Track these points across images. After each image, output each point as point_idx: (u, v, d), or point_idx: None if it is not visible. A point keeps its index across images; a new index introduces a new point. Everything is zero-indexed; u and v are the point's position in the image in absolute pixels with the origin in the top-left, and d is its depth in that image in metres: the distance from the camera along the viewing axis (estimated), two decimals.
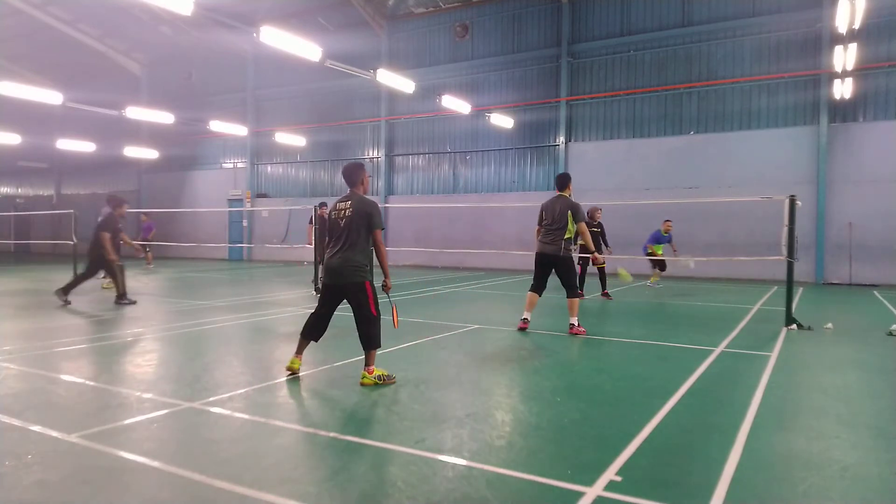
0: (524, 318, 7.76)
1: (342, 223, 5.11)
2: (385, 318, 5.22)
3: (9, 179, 34.40)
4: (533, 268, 7.93)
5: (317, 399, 4.74)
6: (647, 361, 6.14)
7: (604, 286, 11.91)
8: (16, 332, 7.50)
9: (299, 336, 5.35)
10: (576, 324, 7.53)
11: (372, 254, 5.18)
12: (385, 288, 5.23)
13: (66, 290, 10.13)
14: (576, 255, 11.88)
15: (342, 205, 5.17)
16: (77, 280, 10.34)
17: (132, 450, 3.51)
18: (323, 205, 14.97)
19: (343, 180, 5.31)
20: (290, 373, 5.27)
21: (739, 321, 8.76)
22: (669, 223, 13.78)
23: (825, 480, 3.17)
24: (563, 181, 7.89)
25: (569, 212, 7.52)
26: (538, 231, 7.82)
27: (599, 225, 12.26)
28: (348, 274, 5.07)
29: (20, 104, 18.20)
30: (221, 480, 3.07)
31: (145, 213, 20.90)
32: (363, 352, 5.07)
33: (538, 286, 7.82)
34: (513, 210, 18.84)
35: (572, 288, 7.64)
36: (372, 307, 5.06)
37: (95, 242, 10.08)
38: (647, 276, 14.68)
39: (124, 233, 10.81)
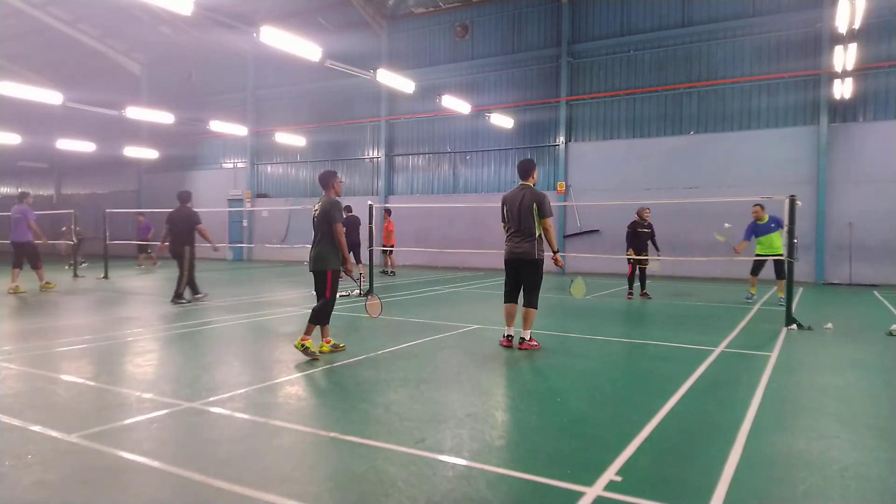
0: (507, 336, 6.71)
1: (315, 221, 6.27)
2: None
3: (9, 179, 34.39)
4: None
5: (317, 399, 4.74)
6: (648, 361, 6.14)
7: (632, 286, 11.99)
8: (16, 332, 7.50)
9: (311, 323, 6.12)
10: (528, 338, 6.52)
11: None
12: (346, 271, 6.29)
13: (193, 289, 10.55)
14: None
15: (316, 206, 6.32)
16: (184, 280, 10.51)
17: (132, 450, 3.51)
18: (348, 207, 15.17)
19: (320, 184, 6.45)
20: (311, 355, 5.98)
21: (739, 321, 8.76)
22: (758, 207, 11.04)
23: (825, 480, 3.17)
24: (526, 168, 6.68)
25: (534, 205, 6.40)
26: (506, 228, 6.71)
27: (649, 226, 11.89)
28: (316, 263, 6.16)
29: (20, 104, 18.19)
30: (221, 480, 3.07)
31: (142, 214, 20.92)
32: (312, 324, 6.05)
33: (515, 295, 6.74)
34: None
35: (534, 296, 6.57)
36: (328, 292, 6.11)
37: (179, 236, 10.50)
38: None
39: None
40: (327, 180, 6.36)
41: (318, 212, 6.21)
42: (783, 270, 10.49)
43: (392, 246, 17.25)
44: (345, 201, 23.67)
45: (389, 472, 3.21)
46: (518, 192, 6.59)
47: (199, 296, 10.66)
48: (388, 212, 17.79)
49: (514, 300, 6.75)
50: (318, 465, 3.38)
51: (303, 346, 5.91)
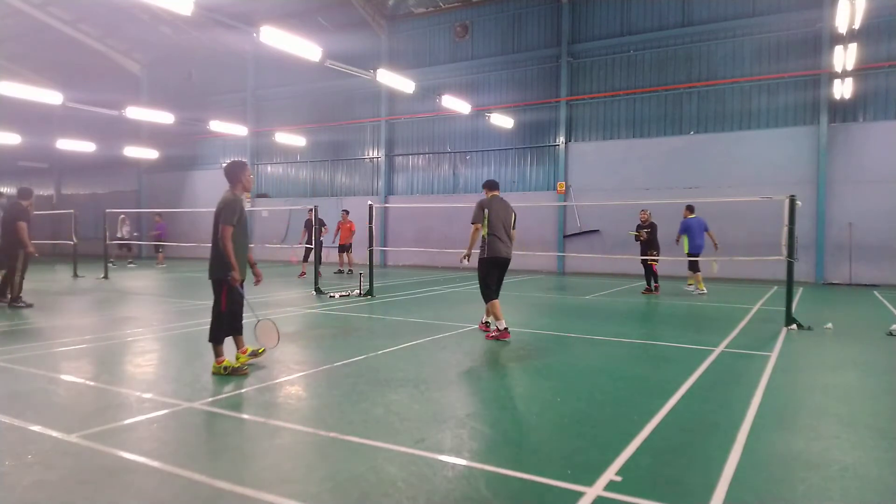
0: (505, 328, 7.17)
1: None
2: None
3: (9, 179, 34.38)
4: (486, 274, 7.42)
5: (317, 399, 4.73)
6: (647, 361, 6.14)
7: (649, 282, 12.78)
8: (16, 332, 7.50)
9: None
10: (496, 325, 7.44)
11: (241, 249, 5.37)
12: (232, 280, 5.29)
13: (2, 291, 9.71)
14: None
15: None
16: (7, 282, 9.72)
17: (132, 450, 3.51)
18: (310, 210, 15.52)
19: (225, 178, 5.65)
20: (238, 372, 5.35)
21: (739, 321, 8.75)
22: (686, 210, 12.62)
23: (825, 480, 3.18)
24: (496, 184, 7.82)
25: (513, 215, 7.58)
26: (476, 229, 7.40)
27: (649, 226, 12.79)
28: (211, 269, 5.38)
29: (20, 104, 18.18)
30: (221, 480, 3.07)
31: (159, 214, 21.14)
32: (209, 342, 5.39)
33: (497, 291, 7.44)
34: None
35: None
36: (223, 304, 5.33)
37: (8, 234, 9.63)
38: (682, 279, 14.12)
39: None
40: (235, 173, 5.45)
41: (215, 211, 5.37)
42: (693, 266, 12.68)
43: (349, 245, 17.49)
44: (345, 201, 23.77)
45: (389, 472, 3.21)
46: (501, 201, 7.61)
47: (2, 302, 9.70)
48: (346, 212, 17.95)
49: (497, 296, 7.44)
50: (318, 465, 3.38)
51: (223, 368, 5.25)
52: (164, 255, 21.42)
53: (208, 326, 5.45)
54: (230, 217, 5.25)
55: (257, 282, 5.82)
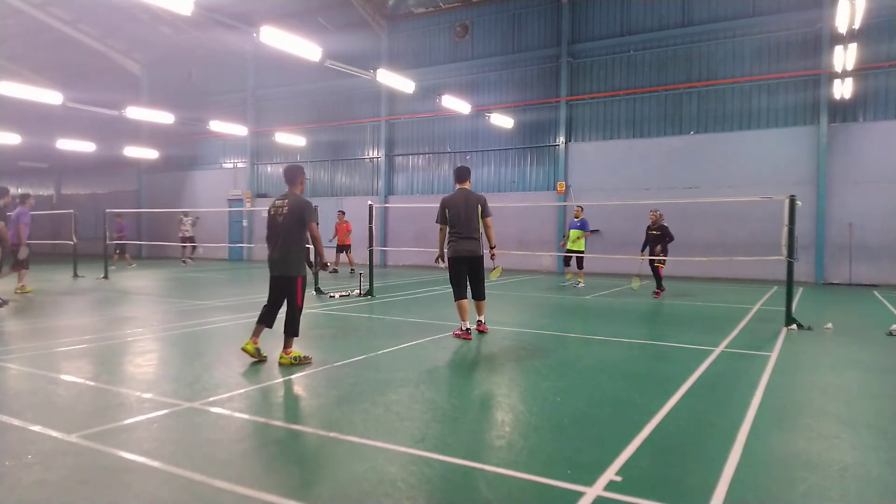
0: (467, 329, 7.17)
1: (280, 220, 5.72)
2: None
3: (9, 179, 34.35)
4: (452, 274, 7.24)
5: (317, 399, 4.73)
6: (647, 361, 6.14)
7: (658, 285, 12.34)
8: (16, 332, 7.50)
9: (256, 322, 5.89)
10: (484, 320, 7.55)
11: (308, 248, 5.75)
12: (323, 267, 6.16)
13: None
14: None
15: (280, 202, 5.79)
16: None
17: (132, 450, 3.51)
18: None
19: (284, 179, 5.94)
20: (250, 355, 5.78)
21: (739, 321, 8.75)
22: (578, 208, 13.90)
23: (825, 480, 3.17)
24: (465, 174, 7.37)
25: (479, 206, 7.15)
26: (442, 230, 7.24)
27: (658, 228, 12.19)
28: (284, 267, 5.70)
29: (20, 104, 18.18)
30: (221, 480, 3.07)
31: (119, 215, 20.91)
32: (284, 336, 5.71)
33: (477, 291, 7.35)
34: (512, 210, 18.85)
35: (483, 288, 7.38)
36: (299, 299, 5.73)
37: None
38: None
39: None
40: (295, 176, 5.83)
41: (285, 210, 5.68)
42: (580, 263, 13.88)
43: (348, 245, 17.58)
44: (345, 201, 23.82)
45: (389, 472, 3.21)
46: (461, 194, 7.25)
47: None
48: (342, 213, 18.10)
49: (466, 296, 7.32)
50: (318, 465, 3.38)
51: (294, 358, 5.62)
52: (130, 255, 21.33)
53: (284, 322, 5.73)
54: (316, 216, 5.91)
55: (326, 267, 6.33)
